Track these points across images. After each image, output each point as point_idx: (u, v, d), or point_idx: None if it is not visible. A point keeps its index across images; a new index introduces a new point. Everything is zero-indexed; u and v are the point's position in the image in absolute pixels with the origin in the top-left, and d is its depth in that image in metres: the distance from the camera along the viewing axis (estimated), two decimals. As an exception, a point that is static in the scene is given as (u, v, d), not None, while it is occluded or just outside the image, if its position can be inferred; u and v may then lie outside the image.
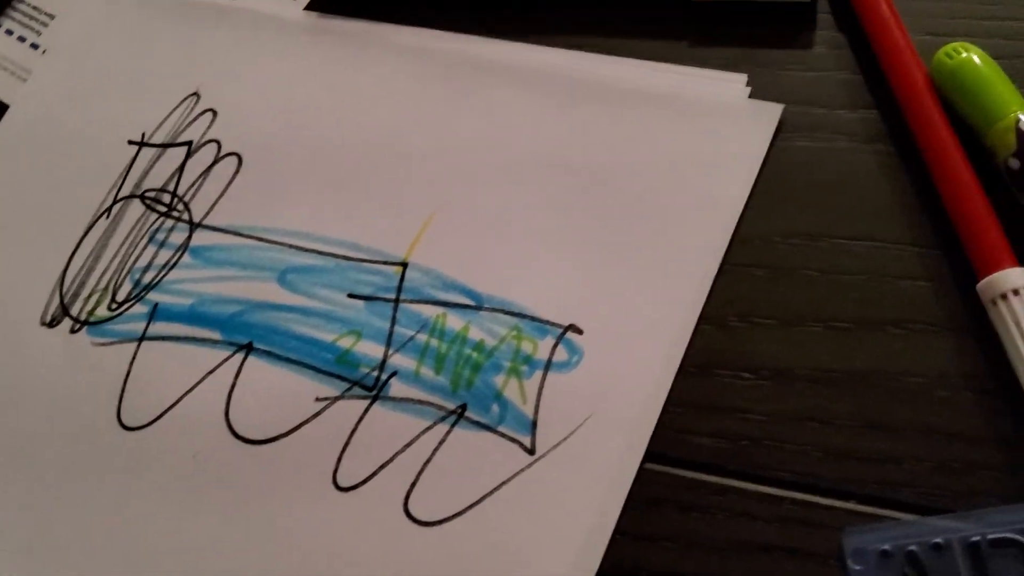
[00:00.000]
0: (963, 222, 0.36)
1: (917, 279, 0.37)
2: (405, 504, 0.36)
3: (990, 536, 0.32)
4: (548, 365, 0.38)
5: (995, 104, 0.36)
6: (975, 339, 0.35)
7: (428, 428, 0.37)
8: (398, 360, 0.39)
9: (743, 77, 0.41)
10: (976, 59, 0.37)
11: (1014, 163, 0.35)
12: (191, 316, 0.41)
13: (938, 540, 0.32)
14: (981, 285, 0.35)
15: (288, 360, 0.40)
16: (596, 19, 0.45)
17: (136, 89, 0.48)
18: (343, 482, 0.37)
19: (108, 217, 0.45)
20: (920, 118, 0.38)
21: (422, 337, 0.39)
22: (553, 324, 0.38)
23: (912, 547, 0.32)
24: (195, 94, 0.47)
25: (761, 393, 0.36)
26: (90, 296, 0.43)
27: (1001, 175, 0.36)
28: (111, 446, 0.39)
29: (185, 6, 0.50)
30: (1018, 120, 0.36)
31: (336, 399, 0.38)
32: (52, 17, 0.51)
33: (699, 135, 0.40)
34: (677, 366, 0.37)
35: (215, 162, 0.45)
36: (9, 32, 0.51)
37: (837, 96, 0.40)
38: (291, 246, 0.42)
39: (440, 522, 0.36)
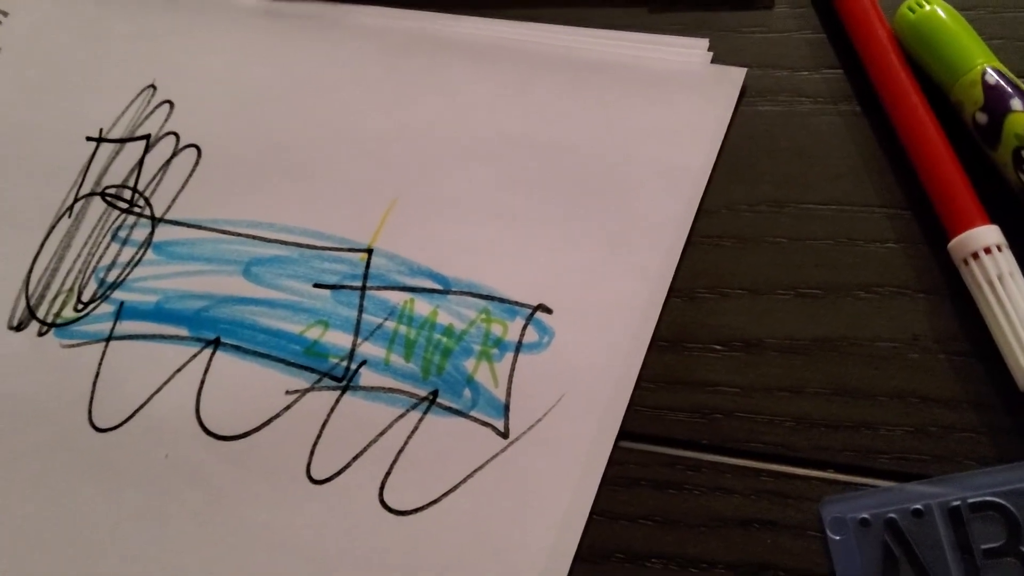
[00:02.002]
0: (932, 181, 0.35)
1: (886, 241, 0.36)
2: (380, 494, 0.36)
3: (970, 500, 0.32)
4: (519, 347, 0.37)
5: (960, 57, 0.35)
6: (948, 300, 0.35)
7: (400, 416, 0.37)
8: (367, 349, 0.38)
9: (704, 42, 0.40)
10: (940, 11, 0.36)
11: (982, 117, 0.35)
12: (157, 313, 0.41)
13: (918, 506, 0.32)
14: (952, 244, 0.34)
15: (256, 354, 0.39)
16: (554, -11, 0.44)
17: (92, 84, 0.47)
18: (317, 475, 0.36)
19: (70, 216, 0.44)
20: (884, 76, 0.37)
21: (390, 324, 0.38)
22: (522, 305, 0.38)
23: (891, 514, 0.32)
24: (151, 86, 0.46)
25: (732, 365, 0.35)
26: (56, 297, 0.42)
27: (969, 130, 0.35)
28: (83, 448, 0.39)
29: (138, -4, 0.49)
30: (984, 72, 0.35)
31: (306, 391, 0.38)
32: (5, 15, 0.50)
33: (661, 104, 0.40)
34: (648, 342, 0.36)
35: (174, 155, 0.44)
36: (-39, 31, 0.50)
37: (800, 57, 0.40)
38: (254, 237, 0.41)
39: (416, 511, 0.35)
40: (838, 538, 0.32)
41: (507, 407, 0.36)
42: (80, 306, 0.42)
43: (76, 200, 0.44)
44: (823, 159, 0.38)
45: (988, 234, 0.33)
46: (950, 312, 0.35)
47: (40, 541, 0.38)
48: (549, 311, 0.37)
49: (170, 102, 0.45)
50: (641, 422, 0.35)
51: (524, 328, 0.37)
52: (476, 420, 0.36)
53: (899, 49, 0.37)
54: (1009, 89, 0.34)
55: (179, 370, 0.39)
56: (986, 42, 0.36)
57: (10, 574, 0.37)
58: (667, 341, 0.36)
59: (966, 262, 0.33)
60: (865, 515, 0.32)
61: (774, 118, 0.39)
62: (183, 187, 0.43)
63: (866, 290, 0.35)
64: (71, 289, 0.42)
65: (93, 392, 0.40)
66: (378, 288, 0.39)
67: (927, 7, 0.36)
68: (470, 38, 0.43)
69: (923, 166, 0.35)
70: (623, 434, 0.35)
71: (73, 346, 0.41)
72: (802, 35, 0.40)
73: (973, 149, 0.35)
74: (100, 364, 0.40)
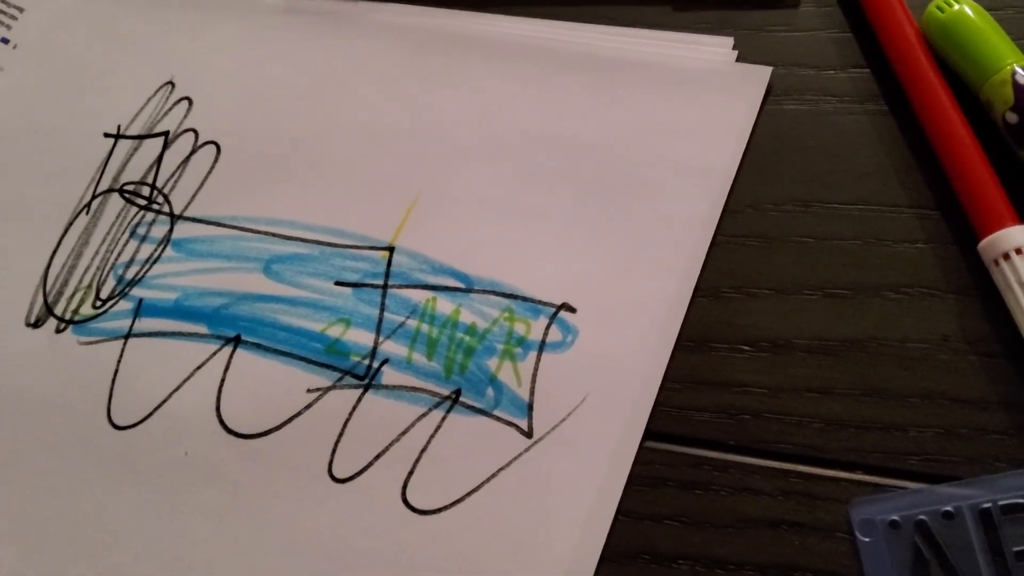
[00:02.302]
0: (961, 181, 0.35)
1: (915, 242, 0.36)
2: (403, 493, 0.36)
3: (1002, 502, 0.31)
4: (542, 346, 0.37)
5: (990, 57, 0.35)
6: (978, 301, 0.35)
7: (423, 415, 0.37)
8: (389, 347, 0.38)
9: (729, 40, 0.40)
10: (968, 11, 0.36)
11: (1012, 117, 0.34)
12: (177, 311, 0.41)
13: (948, 508, 0.32)
14: (982, 245, 0.34)
15: (277, 351, 0.39)
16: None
17: (110, 80, 0.47)
18: (339, 473, 0.36)
19: (88, 213, 0.44)
20: (912, 75, 0.36)
21: (412, 323, 0.38)
22: (546, 304, 0.37)
23: (922, 516, 0.32)
24: (170, 83, 0.46)
25: (760, 365, 0.35)
26: (74, 294, 0.42)
27: (998, 130, 0.35)
28: (102, 446, 0.39)
29: (156, -7, 0.49)
30: (1014, 72, 0.35)
31: (328, 389, 0.38)
32: (21, 11, 0.50)
33: (686, 102, 0.39)
34: (673, 341, 0.36)
35: (193, 152, 0.44)
36: (-22, 27, 0.49)
37: (826, 56, 0.39)
38: (275, 235, 0.41)
39: (439, 510, 0.35)
40: (867, 540, 0.32)
41: (531, 406, 0.36)
42: (98, 303, 0.42)
43: (94, 197, 0.44)
44: (850, 158, 0.37)
45: (1019, 234, 0.33)
46: (980, 313, 0.34)
47: (58, 538, 0.37)
48: (573, 310, 0.37)
49: (188, 99, 0.45)
50: (667, 422, 0.35)
51: (548, 327, 0.37)
52: (499, 419, 0.36)
53: (927, 48, 0.37)
54: (1040, 89, 0.34)
55: (199, 368, 0.39)
56: (1015, 42, 0.36)
57: (28, 570, 0.37)
58: (693, 341, 0.36)
59: (997, 263, 0.33)
60: (895, 517, 0.32)
61: (800, 117, 0.38)
62: (202, 184, 0.43)
63: (895, 291, 0.35)
64: (89, 286, 0.42)
65: (112, 389, 0.40)
66: (400, 286, 0.39)
67: (956, 6, 0.36)
68: (491, 36, 0.43)
69: (952, 165, 0.35)
70: (649, 434, 0.35)
71: (91, 343, 0.41)
72: (828, 34, 0.40)
73: (1002, 149, 0.35)
74: (119, 361, 0.40)
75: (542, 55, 0.42)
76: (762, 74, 0.39)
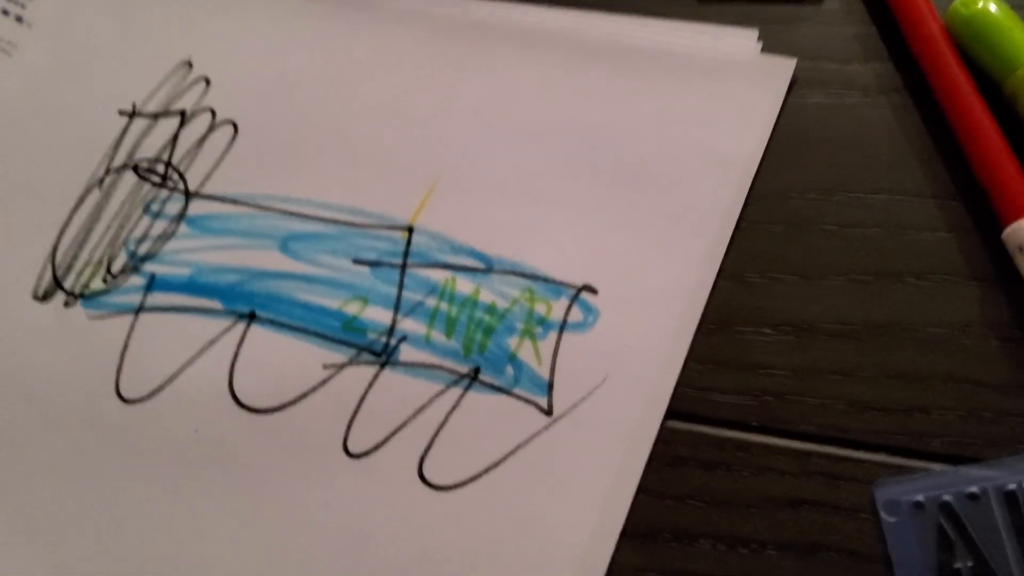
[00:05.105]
0: (986, 170, 0.35)
1: (937, 230, 0.36)
2: (420, 469, 0.35)
3: (1026, 483, 0.31)
4: (563, 326, 0.37)
5: (1013, 52, 0.36)
6: (999, 288, 0.35)
7: (441, 392, 0.36)
8: (407, 325, 0.38)
9: (754, 32, 0.40)
10: (992, 7, 0.37)
11: (1035, 110, 0.35)
12: (190, 286, 0.40)
13: (973, 489, 0.32)
14: (1007, 233, 0.34)
15: (293, 328, 0.38)
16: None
17: (126, 59, 0.46)
18: (354, 449, 0.36)
19: (100, 189, 0.43)
20: (937, 67, 0.37)
21: (431, 302, 0.38)
22: (567, 284, 0.37)
23: (946, 497, 0.32)
24: (187, 63, 0.46)
25: (783, 348, 0.35)
26: (84, 269, 0.41)
27: (1022, 123, 0.36)
28: (110, 420, 0.38)
29: (175, -26, 0.49)
30: (1038, 67, 0.35)
31: (344, 366, 0.37)
32: (36, -10, 0.50)
33: (711, 92, 0.40)
34: (696, 323, 0.36)
35: (210, 131, 0.43)
36: (-8, 5, 0.49)
37: (850, 50, 0.40)
38: (292, 213, 0.41)
39: (456, 486, 0.35)
40: (893, 520, 0.32)
41: (551, 385, 0.36)
42: (109, 278, 0.41)
43: (107, 173, 0.44)
44: (873, 149, 0.38)
45: (1043, 222, 0.33)
46: (1002, 300, 0.35)
47: (65, 514, 0.37)
48: (595, 291, 0.37)
49: (207, 79, 0.45)
50: (689, 403, 0.35)
51: (569, 307, 0.37)
52: (519, 397, 0.36)
53: (951, 42, 0.37)
54: (1063, 83, 0.35)
55: (212, 343, 0.39)
56: (1037, 39, 0.36)
57: (36, 547, 0.36)
58: (716, 324, 0.36)
59: (1021, 249, 0.34)
60: (919, 498, 0.32)
61: (824, 110, 0.39)
62: (219, 162, 0.43)
63: (917, 277, 0.35)
64: (100, 261, 0.41)
65: (121, 364, 0.39)
66: (419, 266, 0.39)
67: (980, 3, 0.37)
68: (516, 24, 0.43)
69: (977, 155, 0.36)
70: (670, 414, 0.35)
71: (100, 317, 0.40)
72: (852, 28, 0.40)
73: (1026, 142, 0.36)
74: (128, 336, 0.40)
75: (567, 43, 0.42)
76: (787, 66, 0.39)
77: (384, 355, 0.37)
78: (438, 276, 0.38)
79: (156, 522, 0.36)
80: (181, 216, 0.42)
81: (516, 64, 0.42)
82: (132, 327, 0.40)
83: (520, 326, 0.37)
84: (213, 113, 0.44)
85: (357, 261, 0.39)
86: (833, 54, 0.40)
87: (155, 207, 0.42)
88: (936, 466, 0.33)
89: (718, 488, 0.34)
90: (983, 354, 0.34)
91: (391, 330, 0.38)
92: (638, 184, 0.39)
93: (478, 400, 0.36)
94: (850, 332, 0.35)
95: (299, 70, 0.44)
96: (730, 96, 0.40)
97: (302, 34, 0.45)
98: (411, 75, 0.43)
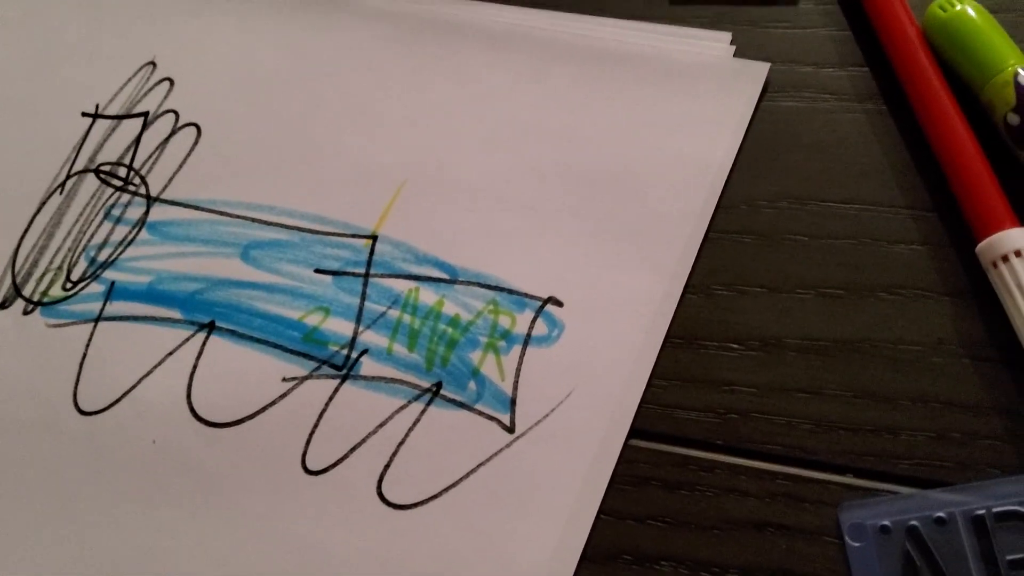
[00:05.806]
0: (961, 182, 0.34)
1: (911, 243, 0.35)
2: (379, 487, 0.34)
3: (995, 509, 0.31)
4: (527, 339, 0.36)
5: (991, 58, 0.35)
6: (974, 304, 0.34)
7: (402, 407, 0.35)
8: (369, 337, 0.37)
9: (727, 35, 0.39)
10: (971, 11, 0.36)
11: (1013, 119, 0.34)
12: (150, 295, 0.39)
13: (940, 514, 0.31)
14: (981, 247, 0.33)
15: (252, 339, 0.38)
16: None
17: (90, 59, 0.46)
18: (312, 465, 0.35)
19: (61, 193, 0.42)
20: (913, 74, 0.36)
21: (394, 313, 0.37)
22: (532, 297, 0.36)
23: (913, 522, 0.31)
24: (151, 63, 0.45)
25: (749, 364, 0.34)
26: (43, 275, 0.41)
27: (999, 132, 0.35)
28: (67, 432, 0.37)
29: (140, -29, 0.47)
30: (1016, 74, 0.34)
31: (304, 379, 0.36)
32: (2, -14, 0.49)
33: (682, 96, 0.39)
34: (662, 338, 0.35)
35: (173, 133, 0.43)
36: (-45, 2, 0.48)
37: (825, 54, 0.39)
38: (254, 220, 0.40)
39: (416, 505, 0.34)
40: (857, 545, 0.31)
41: (514, 401, 0.35)
42: (69, 285, 0.40)
43: (68, 177, 0.43)
44: (846, 157, 0.37)
45: (1018, 237, 0.32)
46: (976, 316, 0.34)
47: (24, 523, 0.36)
48: (560, 304, 0.36)
49: (170, 80, 0.44)
50: (652, 420, 0.34)
51: (533, 320, 0.36)
52: (481, 414, 0.35)
53: (928, 48, 0.36)
54: (1042, 91, 0.34)
55: (170, 353, 0.38)
56: (1018, 45, 0.35)
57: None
58: (682, 338, 0.35)
59: (995, 264, 0.33)
60: (886, 522, 0.31)
61: (797, 114, 0.38)
62: (181, 166, 0.42)
63: (889, 291, 0.34)
64: (60, 267, 0.41)
65: (79, 373, 0.38)
66: (382, 275, 0.38)
67: (958, 6, 0.36)
68: (485, 24, 0.42)
69: (952, 166, 0.34)
70: (634, 432, 0.34)
71: (60, 326, 0.39)
72: (827, 31, 0.39)
73: (1003, 151, 0.35)
74: (88, 345, 0.39)
75: (536, 45, 0.41)
76: (760, 70, 0.38)
77: (345, 368, 0.36)
78: (401, 286, 0.38)
79: (115, 533, 0.35)
80: (142, 222, 0.41)
81: (484, 66, 0.41)
82: (91, 336, 0.39)
83: (484, 340, 0.36)
84: (176, 115, 0.43)
85: (319, 270, 0.38)
86: (807, 57, 0.39)
87: (116, 212, 0.41)
88: (904, 489, 0.32)
89: (680, 509, 0.33)
90: (955, 373, 0.33)
91: (352, 342, 0.37)
92: (607, 191, 0.38)
93: (440, 416, 0.35)
94: (818, 348, 0.34)
95: (264, 70, 0.43)
96: (701, 101, 0.38)
97: (268, 33, 0.44)
98: (379, 77, 0.42)
